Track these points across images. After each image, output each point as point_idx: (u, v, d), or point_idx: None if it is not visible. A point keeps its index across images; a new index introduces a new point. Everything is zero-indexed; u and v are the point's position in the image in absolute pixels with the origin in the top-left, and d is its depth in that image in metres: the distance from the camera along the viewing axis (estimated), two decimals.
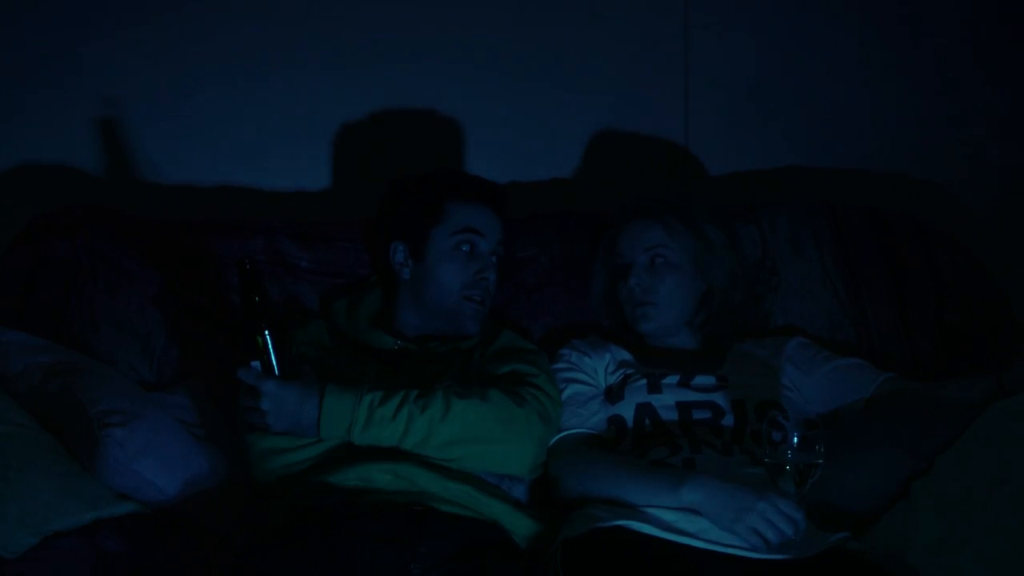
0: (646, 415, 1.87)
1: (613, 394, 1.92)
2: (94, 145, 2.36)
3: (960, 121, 2.53)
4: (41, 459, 1.67)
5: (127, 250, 2.11)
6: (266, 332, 1.70)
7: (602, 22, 2.46)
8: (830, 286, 2.19)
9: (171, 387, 1.97)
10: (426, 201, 1.99)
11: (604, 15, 2.46)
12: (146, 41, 2.36)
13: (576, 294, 2.17)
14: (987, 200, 2.50)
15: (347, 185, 2.43)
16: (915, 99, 2.52)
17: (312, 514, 1.67)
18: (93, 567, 1.60)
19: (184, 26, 2.37)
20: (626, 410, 1.88)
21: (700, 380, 1.92)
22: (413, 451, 1.73)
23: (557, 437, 1.86)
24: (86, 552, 1.62)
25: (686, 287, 2.00)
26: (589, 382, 1.95)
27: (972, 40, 2.52)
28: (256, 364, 1.71)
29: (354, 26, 2.41)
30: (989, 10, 2.51)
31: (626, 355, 1.99)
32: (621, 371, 1.96)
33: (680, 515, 1.64)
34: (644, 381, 1.91)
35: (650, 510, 1.66)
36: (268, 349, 1.70)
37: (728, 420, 1.85)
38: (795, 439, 1.59)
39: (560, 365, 1.98)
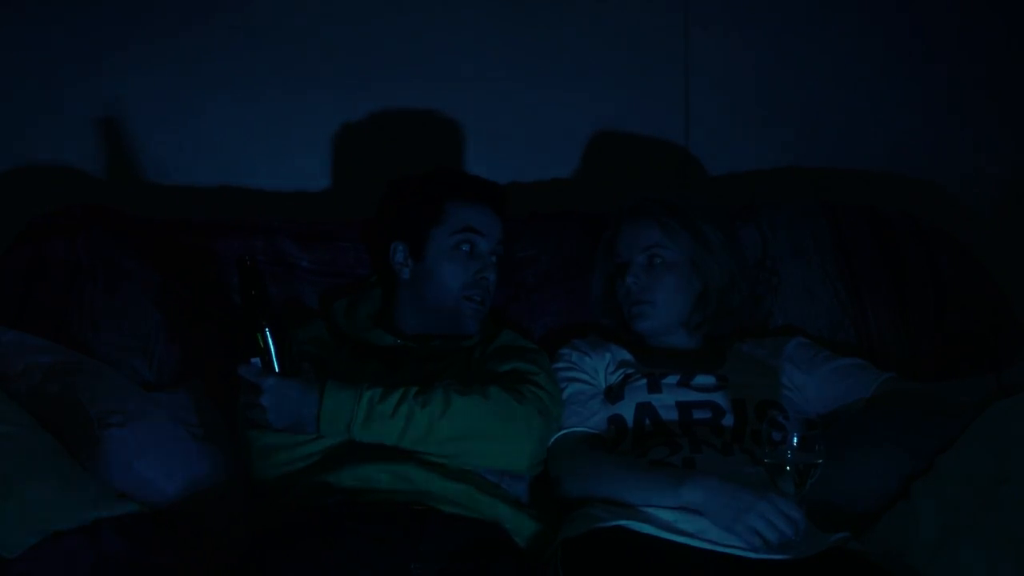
0: (646, 415, 1.87)
1: (613, 394, 1.92)
2: (95, 145, 2.36)
3: (960, 121, 2.53)
4: (41, 459, 1.67)
5: (127, 250, 2.11)
6: (266, 329, 1.70)
7: (602, 22, 2.46)
8: (830, 286, 2.19)
9: (171, 387, 1.97)
10: (426, 201, 1.99)
11: (604, 15, 2.46)
12: (146, 40, 2.36)
13: (576, 294, 2.17)
14: (987, 200, 2.50)
15: (347, 185, 2.43)
16: (915, 99, 2.52)
17: (312, 514, 1.67)
18: (93, 566, 1.60)
19: (185, 26, 2.36)
20: (626, 410, 1.88)
21: (700, 380, 1.92)
22: (413, 448, 1.74)
23: (557, 436, 1.86)
24: (86, 551, 1.62)
25: (683, 287, 2.00)
26: (589, 381, 1.95)
27: (972, 40, 2.52)
28: (256, 361, 1.71)
29: (356, 28, 2.40)
30: (989, 10, 2.51)
31: (626, 355, 2.00)
32: (621, 371, 1.96)
33: (680, 515, 1.64)
34: (644, 381, 1.92)
35: (650, 510, 1.66)
36: (268, 346, 1.71)
37: (728, 420, 1.85)
38: (795, 439, 1.59)
39: (560, 364, 1.98)
